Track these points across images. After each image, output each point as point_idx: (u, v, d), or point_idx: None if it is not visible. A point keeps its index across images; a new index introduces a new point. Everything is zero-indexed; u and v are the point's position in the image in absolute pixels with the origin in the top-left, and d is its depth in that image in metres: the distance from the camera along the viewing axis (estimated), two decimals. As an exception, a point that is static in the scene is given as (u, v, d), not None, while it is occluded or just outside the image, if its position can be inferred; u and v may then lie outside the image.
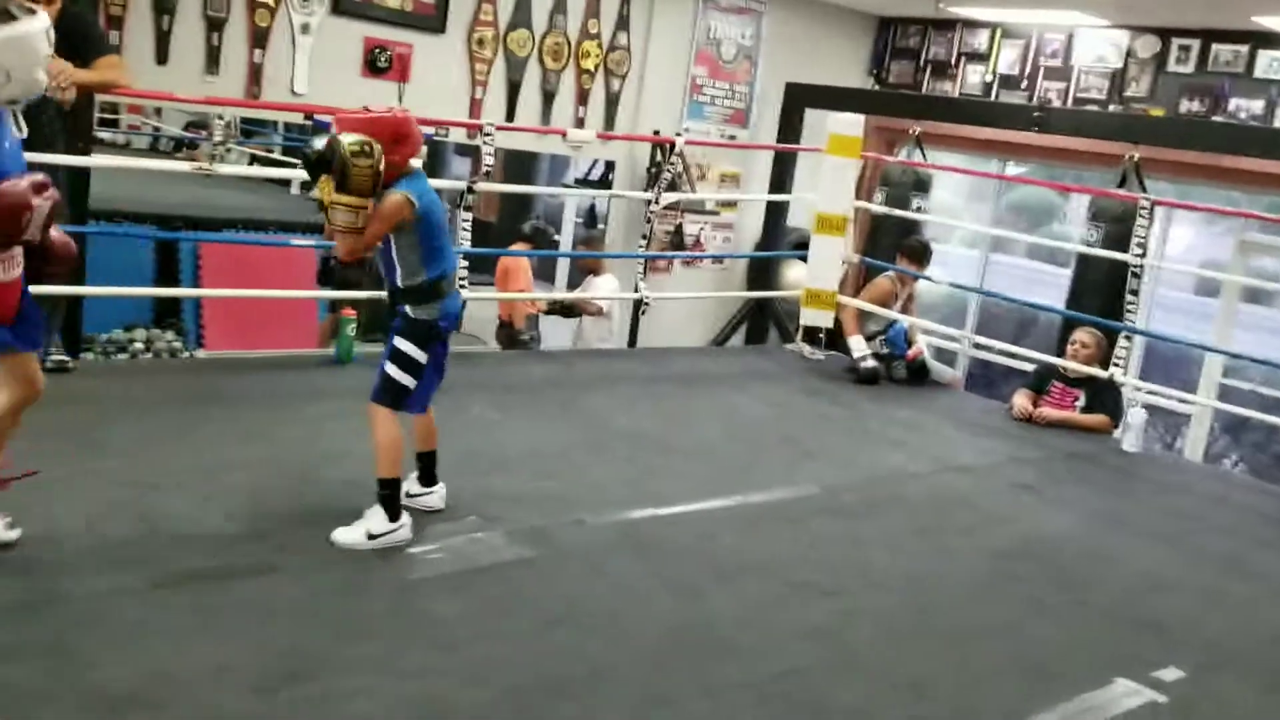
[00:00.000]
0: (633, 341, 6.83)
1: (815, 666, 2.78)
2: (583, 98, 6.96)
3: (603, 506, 3.60)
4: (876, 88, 8.34)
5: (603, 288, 6.84)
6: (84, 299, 4.87)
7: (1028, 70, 7.71)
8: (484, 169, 5.34)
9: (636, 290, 6.08)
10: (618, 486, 3.85)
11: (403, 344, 3.10)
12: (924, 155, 6.79)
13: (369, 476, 3.12)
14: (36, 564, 2.73)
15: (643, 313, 6.38)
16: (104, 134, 8.64)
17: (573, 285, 7.62)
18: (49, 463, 3.33)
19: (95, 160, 4.71)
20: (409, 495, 3.25)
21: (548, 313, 7.22)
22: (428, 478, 3.34)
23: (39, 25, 2.29)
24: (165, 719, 2.20)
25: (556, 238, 8.52)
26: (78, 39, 4.11)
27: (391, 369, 3.09)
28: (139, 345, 6.14)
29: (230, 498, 3.26)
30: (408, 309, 3.11)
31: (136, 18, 5.41)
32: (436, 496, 3.34)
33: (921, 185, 6.78)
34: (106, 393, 4.18)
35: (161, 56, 5.49)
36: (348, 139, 2.93)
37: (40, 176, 2.37)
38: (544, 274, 8.45)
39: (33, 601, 2.56)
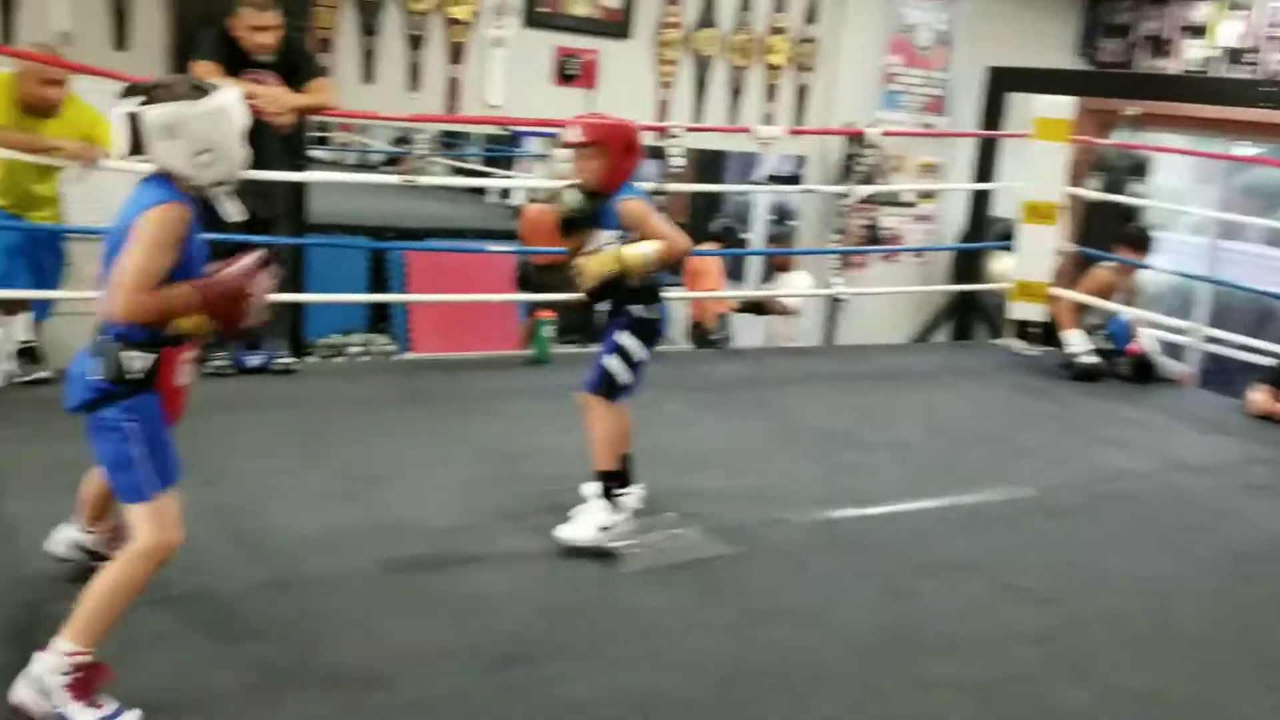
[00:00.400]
0: (829, 339, 6.68)
1: (1038, 670, 2.61)
2: (771, 93, 6.88)
3: (801, 504, 3.52)
4: (1090, 68, 7.86)
5: (794, 284, 6.73)
6: (305, 306, 5.21)
7: (1253, 43, 7.09)
8: (674, 169, 5.35)
9: (830, 287, 5.94)
10: (816, 484, 3.75)
11: (629, 340, 3.10)
12: (1141, 137, 6.35)
13: (570, 472, 3.16)
14: (275, 550, 2.89)
15: (839, 310, 6.23)
16: (318, 152, 9.20)
17: (764, 283, 7.55)
18: (280, 457, 3.58)
19: (309, 175, 5.00)
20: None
21: (739, 311, 7.17)
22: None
23: (233, 97, 2.22)
24: (396, 699, 2.28)
25: (745, 236, 8.47)
26: (295, 64, 4.40)
27: (615, 364, 3.09)
28: (356, 348, 6.48)
29: (442, 490, 3.38)
30: (637, 309, 3.11)
31: (344, 39, 5.70)
32: (634, 497, 3.34)
33: (1139, 169, 6.34)
34: (328, 393, 4.42)
35: (367, 75, 5.77)
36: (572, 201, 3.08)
37: (249, 260, 2.27)
38: (734, 273, 8.42)
39: (274, 584, 2.72)
